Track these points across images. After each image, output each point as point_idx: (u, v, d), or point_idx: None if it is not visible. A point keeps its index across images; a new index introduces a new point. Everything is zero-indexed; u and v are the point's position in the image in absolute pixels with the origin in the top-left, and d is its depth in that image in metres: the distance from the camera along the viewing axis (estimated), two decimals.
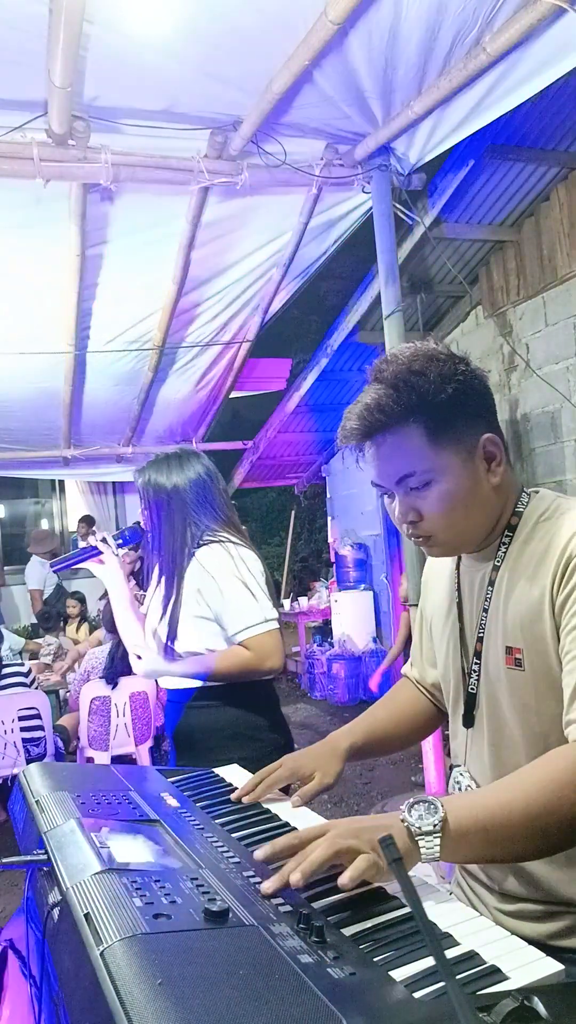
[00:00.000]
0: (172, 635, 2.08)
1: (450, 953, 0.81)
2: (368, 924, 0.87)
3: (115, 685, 4.43)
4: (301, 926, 0.81)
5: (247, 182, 3.80)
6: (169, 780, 1.41)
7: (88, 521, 8.68)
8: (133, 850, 0.99)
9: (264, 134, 3.61)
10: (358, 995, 0.71)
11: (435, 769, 4.10)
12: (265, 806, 1.27)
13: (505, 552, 1.18)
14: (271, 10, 2.85)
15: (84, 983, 0.70)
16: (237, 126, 3.57)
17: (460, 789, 1.21)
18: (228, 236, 4.55)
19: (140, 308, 5.07)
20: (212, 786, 1.39)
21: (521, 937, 0.85)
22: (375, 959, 0.79)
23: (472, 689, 1.21)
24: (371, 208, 4.19)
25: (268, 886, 0.88)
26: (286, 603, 8.74)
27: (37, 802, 1.17)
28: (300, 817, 1.22)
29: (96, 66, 3.02)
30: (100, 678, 4.48)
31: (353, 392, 7.20)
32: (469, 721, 1.22)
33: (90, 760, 4.41)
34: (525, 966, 0.79)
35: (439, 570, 1.35)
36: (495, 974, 0.78)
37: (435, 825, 0.93)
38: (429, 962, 0.77)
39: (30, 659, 5.83)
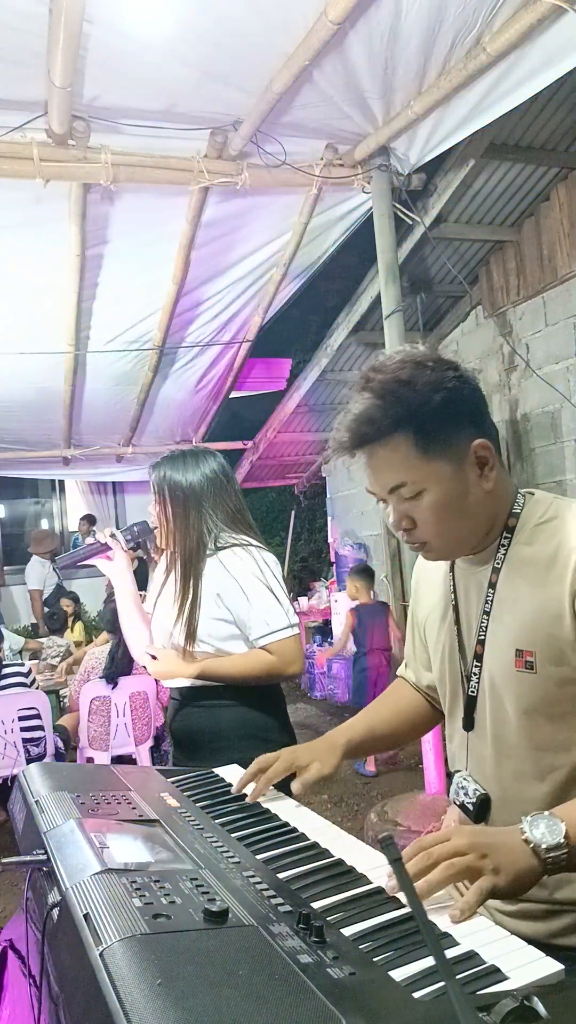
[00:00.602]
0: (191, 636, 2.05)
1: (450, 953, 0.81)
2: (368, 924, 0.87)
3: (115, 685, 4.43)
4: (301, 926, 0.81)
5: (247, 182, 3.80)
6: (169, 780, 1.41)
7: (90, 520, 8.68)
8: (133, 850, 0.99)
9: (264, 134, 3.61)
10: (358, 995, 0.70)
11: (435, 769, 4.10)
12: (265, 806, 1.27)
13: (504, 554, 1.17)
14: (271, 10, 2.85)
15: (83, 983, 0.70)
16: (237, 126, 3.57)
17: (466, 794, 1.20)
18: (228, 236, 4.55)
19: (140, 308, 5.07)
20: (212, 786, 1.39)
21: (521, 936, 0.85)
22: (375, 959, 0.79)
23: (472, 692, 1.21)
24: (371, 208, 4.19)
25: (393, 887, 0.91)
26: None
27: (37, 802, 1.17)
28: (300, 817, 1.22)
29: (96, 66, 3.02)
30: (100, 678, 4.47)
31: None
32: (469, 724, 1.22)
33: (90, 760, 4.41)
34: (525, 966, 0.79)
35: (431, 573, 1.35)
36: (495, 974, 0.78)
37: (561, 839, 0.94)
38: (429, 962, 0.77)
39: (31, 659, 5.83)
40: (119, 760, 4.41)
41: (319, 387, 6.89)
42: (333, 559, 8.59)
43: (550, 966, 0.78)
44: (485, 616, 1.18)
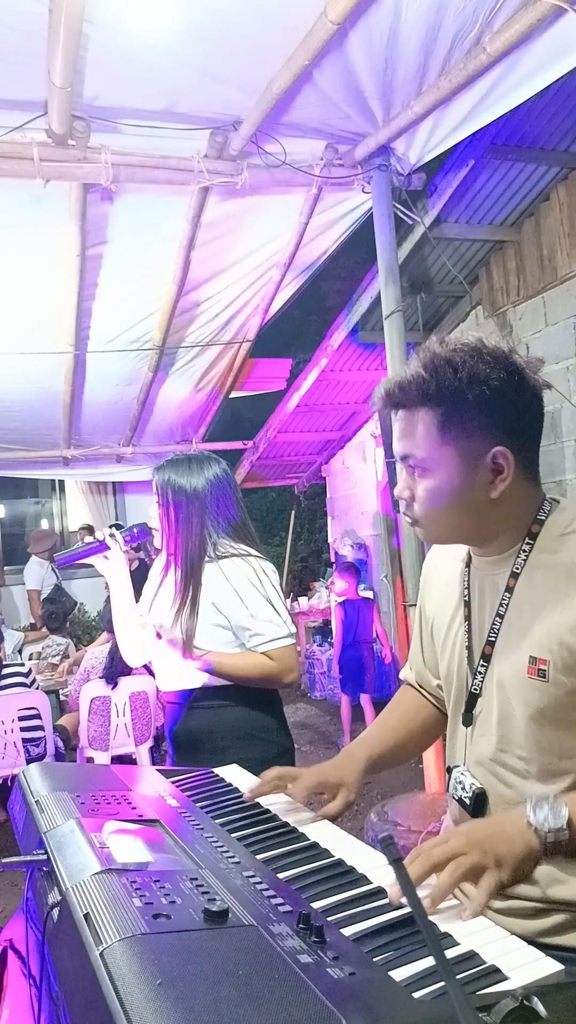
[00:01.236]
0: (189, 638, 2.06)
1: (450, 953, 0.81)
2: (368, 924, 0.87)
3: (115, 685, 4.43)
4: (301, 926, 0.81)
5: (247, 182, 3.80)
6: (169, 780, 1.41)
7: (89, 529, 8.69)
8: (133, 850, 0.99)
9: (264, 134, 3.61)
10: (358, 995, 0.70)
11: (435, 768, 4.11)
12: (265, 806, 1.27)
13: (525, 560, 1.17)
14: (271, 10, 2.85)
15: (84, 983, 0.70)
16: (237, 126, 3.57)
17: (463, 788, 1.21)
18: (228, 236, 4.55)
19: (140, 308, 5.07)
20: (212, 786, 1.39)
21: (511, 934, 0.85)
22: (375, 959, 0.79)
23: (475, 689, 1.21)
24: (371, 208, 4.19)
25: (395, 896, 0.91)
26: (286, 603, 8.69)
27: (37, 802, 1.17)
28: (300, 817, 1.22)
29: (96, 66, 3.01)
30: (100, 678, 4.47)
31: (353, 392, 7.19)
32: (468, 720, 1.22)
33: (90, 760, 4.41)
34: (525, 966, 0.79)
35: (445, 569, 1.34)
36: (495, 974, 0.78)
37: (563, 821, 0.97)
38: (429, 962, 0.77)
39: (31, 659, 5.83)
40: (119, 760, 4.41)
41: (319, 387, 6.89)
42: (333, 559, 8.59)
43: (550, 966, 0.79)
44: (498, 619, 1.18)
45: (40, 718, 4.36)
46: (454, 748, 1.28)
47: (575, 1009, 0.71)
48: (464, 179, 4.66)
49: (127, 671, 4.37)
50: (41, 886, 1.00)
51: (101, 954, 0.71)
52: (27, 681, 4.55)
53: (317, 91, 3.37)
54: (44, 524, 10.06)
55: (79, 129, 3.38)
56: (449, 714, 1.31)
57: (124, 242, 4.36)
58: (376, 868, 1.01)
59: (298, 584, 9.75)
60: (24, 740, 4.30)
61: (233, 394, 6.74)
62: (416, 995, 0.73)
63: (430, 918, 0.79)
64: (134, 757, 4.51)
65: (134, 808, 1.18)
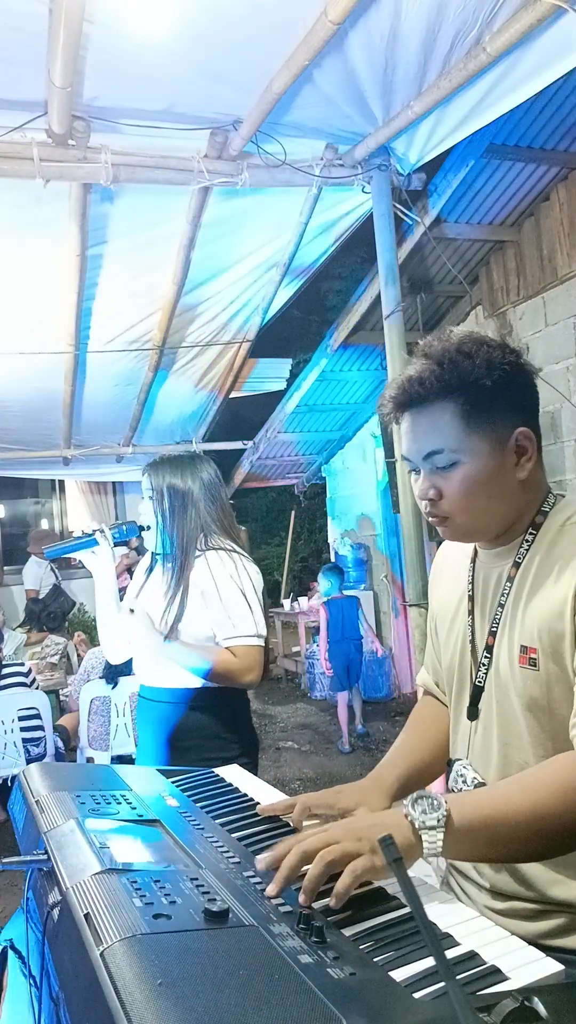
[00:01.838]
0: (175, 626, 2.10)
1: (450, 953, 0.81)
2: (368, 924, 0.87)
3: (115, 685, 4.42)
4: (301, 926, 0.81)
5: (247, 182, 3.80)
6: (169, 780, 1.41)
7: None
8: (133, 850, 0.99)
9: (264, 134, 3.61)
10: (358, 995, 0.70)
11: None
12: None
13: (528, 551, 1.18)
14: (271, 10, 2.85)
15: (84, 983, 0.70)
16: (237, 126, 3.57)
17: (465, 782, 1.21)
18: (228, 236, 4.55)
19: (140, 308, 5.07)
20: (212, 786, 1.39)
21: None
22: (375, 959, 0.79)
23: (479, 682, 1.21)
24: (371, 208, 4.19)
25: (272, 890, 0.89)
26: (286, 603, 8.71)
27: (37, 802, 1.17)
28: None
29: (96, 66, 3.01)
30: (100, 678, 4.47)
31: (353, 392, 7.20)
32: (473, 713, 1.22)
33: (90, 760, 4.41)
34: (525, 966, 0.79)
35: (452, 566, 1.35)
36: (495, 974, 0.77)
37: (439, 820, 0.93)
38: (429, 962, 0.77)
39: (30, 659, 5.83)
40: (119, 760, 4.40)
41: (319, 387, 6.90)
42: (333, 559, 8.59)
43: (551, 966, 0.78)
44: (500, 609, 1.19)
45: (40, 718, 4.36)
46: (456, 741, 1.28)
47: (575, 1010, 0.71)
48: (464, 179, 4.67)
49: (127, 671, 4.37)
50: (41, 886, 0.99)
51: (101, 954, 0.71)
52: (27, 681, 4.55)
53: (317, 91, 3.37)
54: (44, 524, 10.06)
55: (79, 129, 3.38)
56: (451, 707, 1.31)
57: (124, 242, 4.36)
58: None
59: (298, 584, 9.75)
60: (24, 740, 4.30)
61: (233, 394, 6.75)
62: (417, 995, 0.73)
63: (430, 918, 0.79)
64: (134, 757, 4.51)
65: (134, 808, 1.18)
